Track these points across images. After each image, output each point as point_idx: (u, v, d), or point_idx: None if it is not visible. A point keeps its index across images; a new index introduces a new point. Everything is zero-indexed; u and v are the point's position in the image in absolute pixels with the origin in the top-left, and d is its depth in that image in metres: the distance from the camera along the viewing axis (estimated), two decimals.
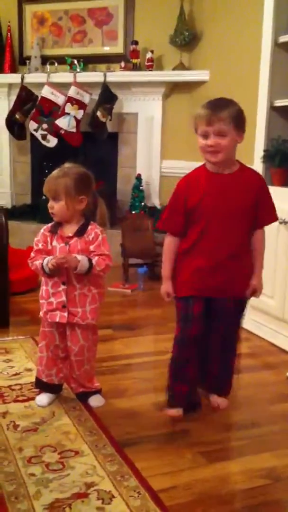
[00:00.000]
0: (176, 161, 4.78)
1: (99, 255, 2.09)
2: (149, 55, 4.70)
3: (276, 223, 2.90)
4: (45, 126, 4.97)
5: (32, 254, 2.15)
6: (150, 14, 4.78)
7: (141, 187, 4.72)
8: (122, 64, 4.83)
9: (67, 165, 2.14)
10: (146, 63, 4.71)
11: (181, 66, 4.68)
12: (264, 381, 2.57)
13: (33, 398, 2.30)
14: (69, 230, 2.13)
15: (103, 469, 1.83)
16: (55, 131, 4.92)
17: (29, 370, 2.58)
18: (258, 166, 3.13)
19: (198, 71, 4.57)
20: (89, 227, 2.13)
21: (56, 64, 5.02)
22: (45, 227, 2.18)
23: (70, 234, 2.12)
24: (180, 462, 1.88)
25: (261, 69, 3.11)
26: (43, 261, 2.09)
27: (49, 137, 4.98)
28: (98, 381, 2.33)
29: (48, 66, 5.03)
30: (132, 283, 4.11)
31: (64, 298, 2.12)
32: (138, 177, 4.73)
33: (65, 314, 2.13)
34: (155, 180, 4.88)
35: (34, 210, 5.15)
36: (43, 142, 5.02)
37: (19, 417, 2.16)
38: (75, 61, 4.96)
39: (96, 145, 5.00)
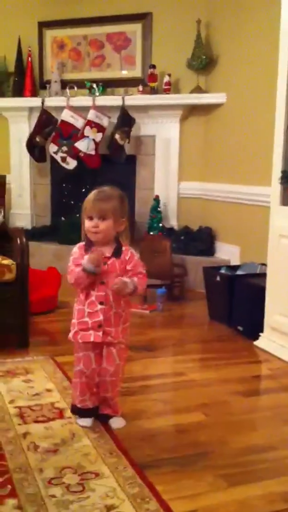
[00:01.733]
0: (193, 182, 4.83)
1: (136, 274, 2.15)
2: (166, 78, 4.78)
3: None
4: (64, 148, 5.05)
5: (71, 266, 2.17)
6: (167, 38, 4.88)
7: (159, 209, 4.75)
8: (140, 87, 4.91)
9: (107, 187, 2.18)
10: (164, 87, 4.79)
11: (198, 89, 4.74)
12: (283, 403, 2.56)
13: (53, 419, 2.31)
14: (107, 251, 2.17)
15: (123, 491, 1.83)
16: (74, 153, 5.00)
17: (49, 390, 2.60)
18: (276, 187, 3.15)
19: (214, 94, 4.64)
20: (123, 248, 2.19)
21: (75, 88, 5.11)
22: (79, 244, 2.21)
23: (108, 255, 2.16)
24: (201, 485, 1.88)
25: (278, 91, 3.14)
26: (82, 266, 2.11)
27: (69, 159, 5.06)
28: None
29: (68, 90, 5.13)
30: (150, 304, 4.13)
31: (101, 318, 2.16)
32: (156, 198, 4.76)
33: (100, 333, 2.16)
34: (173, 201, 4.92)
35: (53, 231, 5.22)
36: (63, 165, 5.10)
37: (39, 438, 2.17)
38: (94, 85, 5.05)
39: (115, 167, 5.07)
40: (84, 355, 2.22)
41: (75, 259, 2.17)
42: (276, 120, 3.15)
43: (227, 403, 2.53)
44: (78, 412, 2.29)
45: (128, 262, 2.16)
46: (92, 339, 2.17)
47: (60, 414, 2.37)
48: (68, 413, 2.37)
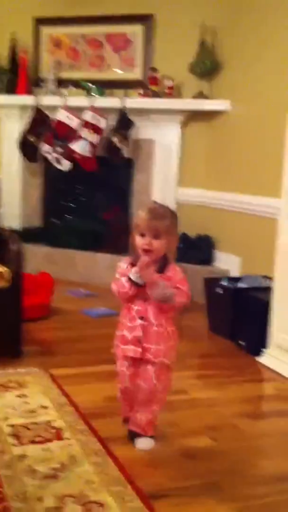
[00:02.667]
0: (193, 189, 4.69)
1: (176, 288, 2.05)
2: (169, 83, 4.63)
3: None
4: (59, 149, 4.87)
5: (117, 276, 2.11)
6: (170, 41, 4.73)
7: None
8: (141, 90, 4.76)
9: (159, 204, 2.15)
10: (167, 90, 4.65)
11: (200, 95, 4.61)
12: None
13: (50, 440, 2.15)
14: (152, 267, 2.07)
15: None
16: (69, 155, 4.83)
17: (45, 407, 2.43)
18: (286, 200, 3.02)
19: (218, 101, 4.50)
20: (169, 265, 2.09)
21: (72, 87, 4.94)
22: (125, 258, 2.14)
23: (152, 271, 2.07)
24: None
25: None
26: (128, 276, 2.05)
27: (63, 160, 4.88)
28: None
29: (64, 90, 4.96)
30: None
31: (140, 333, 2.09)
32: None
33: (139, 349, 2.09)
34: (171, 207, 4.76)
35: (45, 232, 5.05)
36: (57, 165, 4.92)
37: (36, 461, 2.00)
38: (92, 86, 4.88)
39: (112, 171, 4.92)
40: (121, 371, 2.17)
41: (123, 271, 2.10)
42: (287, 128, 3.02)
43: (235, 426, 2.38)
44: (129, 433, 2.21)
45: (171, 278, 2.07)
46: (132, 354, 2.10)
47: (58, 435, 2.20)
48: (66, 434, 2.20)
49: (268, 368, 3.08)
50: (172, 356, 2.14)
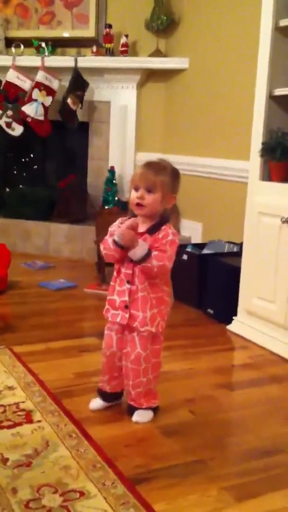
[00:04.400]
0: (152, 153, 4.50)
1: (158, 250, 1.89)
2: (123, 39, 4.40)
3: (278, 222, 2.70)
4: (10, 113, 4.59)
5: (106, 237, 1.97)
6: None
7: (114, 181, 4.43)
8: (94, 48, 4.51)
9: (160, 159, 2.03)
10: (121, 48, 4.42)
11: (157, 53, 4.41)
12: (273, 396, 2.34)
13: (20, 424, 1.98)
14: (143, 226, 1.95)
15: None
16: (21, 118, 4.56)
17: (11, 388, 2.25)
18: (255, 160, 2.90)
19: (176, 58, 4.32)
20: (163, 227, 1.94)
21: (22, 46, 4.64)
22: (120, 218, 2.01)
23: (142, 231, 1.94)
24: (206, 502, 1.61)
25: (260, 56, 2.86)
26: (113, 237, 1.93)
27: (14, 125, 4.61)
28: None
29: (13, 49, 4.65)
30: (109, 284, 3.81)
31: (127, 298, 1.96)
32: (112, 170, 4.43)
33: (127, 315, 1.97)
34: (129, 173, 4.57)
35: None
36: (8, 131, 4.64)
37: (7, 448, 1.84)
38: (43, 44, 4.61)
39: (66, 135, 4.68)
40: (107, 334, 2.08)
41: (111, 230, 1.97)
42: (257, 87, 2.88)
43: (213, 398, 2.28)
44: (97, 391, 2.15)
45: (160, 240, 1.92)
46: (118, 319, 2.00)
47: (28, 418, 2.03)
48: (36, 416, 2.04)
49: (238, 335, 3.00)
50: (160, 324, 2.01)
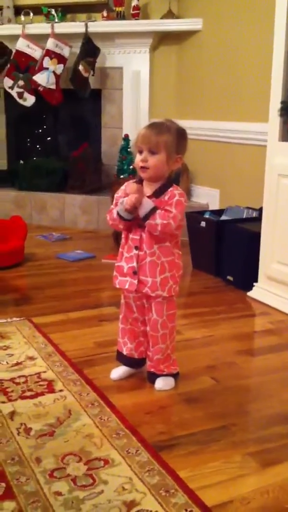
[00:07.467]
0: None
1: (165, 211, 1.85)
2: (134, 2, 4.29)
3: None
4: (21, 83, 4.52)
5: (112, 207, 1.95)
6: None
7: (129, 149, 4.35)
8: (105, 13, 4.40)
9: (166, 119, 1.93)
10: (132, 12, 4.30)
11: (170, 15, 4.29)
12: None
13: (42, 393, 1.98)
14: (149, 189, 1.91)
15: (142, 482, 1.53)
16: (32, 88, 4.49)
17: (32, 358, 2.26)
18: (274, 120, 2.81)
19: (189, 20, 4.19)
20: (170, 189, 1.89)
21: (31, 14, 4.54)
22: (126, 182, 1.95)
23: (149, 194, 1.89)
24: (229, 468, 1.60)
25: (277, 12, 2.75)
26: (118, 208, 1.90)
27: (26, 95, 4.55)
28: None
29: (22, 17, 4.56)
30: None
31: (135, 264, 1.93)
32: (126, 138, 4.34)
33: (135, 281, 1.94)
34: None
35: (11, 176, 4.75)
36: (19, 101, 4.58)
37: (29, 418, 1.84)
38: (52, 11, 4.50)
39: (78, 104, 4.61)
40: (126, 303, 2.06)
41: (117, 197, 1.93)
42: (275, 43, 2.77)
43: (234, 364, 2.26)
44: (122, 359, 2.13)
45: (166, 202, 1.87)
46: (127, 286, 1.97)
47: (50, 387, 2.04)
48: (58, 385, 2.04)
49: (259, 302, 2.96)
50: (172, 288, 1.97)
